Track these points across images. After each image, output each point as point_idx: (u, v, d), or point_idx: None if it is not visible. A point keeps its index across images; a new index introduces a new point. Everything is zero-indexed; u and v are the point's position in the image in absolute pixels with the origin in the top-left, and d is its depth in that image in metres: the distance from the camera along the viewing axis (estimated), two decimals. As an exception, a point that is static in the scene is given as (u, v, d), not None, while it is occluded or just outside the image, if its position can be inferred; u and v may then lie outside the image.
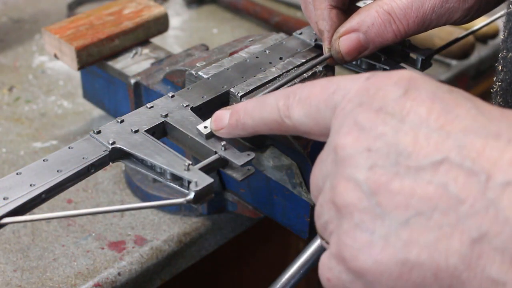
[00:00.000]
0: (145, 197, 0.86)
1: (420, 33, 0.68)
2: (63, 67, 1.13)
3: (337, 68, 0.78)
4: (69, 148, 0.63)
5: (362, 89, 0.46)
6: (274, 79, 0.73)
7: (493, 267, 0.39)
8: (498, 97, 0.64)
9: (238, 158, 0.62)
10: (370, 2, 0.69)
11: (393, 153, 0.42)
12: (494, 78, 0.64)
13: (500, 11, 0.78)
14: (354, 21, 0.68)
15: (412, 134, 0.42)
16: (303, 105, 0.50)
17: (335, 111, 0.47)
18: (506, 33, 0.60)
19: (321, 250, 0.68)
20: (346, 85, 0.47)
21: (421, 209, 0.41)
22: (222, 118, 0.60)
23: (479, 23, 0.84)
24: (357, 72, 0.76)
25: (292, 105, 0.51)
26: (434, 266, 0.41)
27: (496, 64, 0.63)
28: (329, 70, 0.76)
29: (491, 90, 0.65)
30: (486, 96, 0.58)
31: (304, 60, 0.76)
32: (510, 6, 0.59)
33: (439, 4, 0.65)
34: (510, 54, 0.60)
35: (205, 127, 0.63)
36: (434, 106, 0.43)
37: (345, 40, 0.69)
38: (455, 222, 0.40)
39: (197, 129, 0.64)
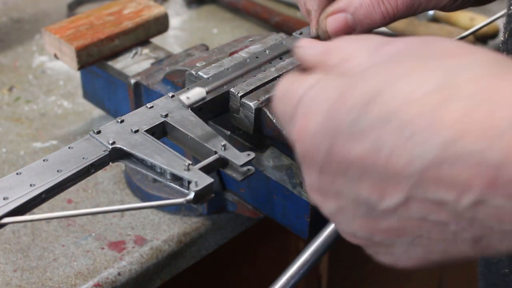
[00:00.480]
0: (145, 197, 0.86)
1: (408, 16, 0.67)
2: (63, 67, 1.13)
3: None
4: (69, 148, 0.63)
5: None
6: (274, 79, 0.73)
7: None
8: None
9: (238, 158, 0.62)
10: None
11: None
12: None
13: (500, 11, 0.78)
14: (342, 1, 0.67)
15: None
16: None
17: None
18: (506, 35, 0.60)
19: (321, 250, 0.68)
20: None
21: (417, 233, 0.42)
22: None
23: (479, 23, 0.84)
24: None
25: None
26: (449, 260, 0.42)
27: None
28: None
29: None
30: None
31: (304, 60, 0.76)
32: (511, 7, 0.59)
33: None
34: (510, 56, 0.60)
35: (188, 98, 0.63)
36: None
37: (332, 20, 0.67)
38: (452, 235, 0.41)
39: (179, 98, 0.64)
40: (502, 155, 0.36)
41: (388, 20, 0.66)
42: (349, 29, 0.66)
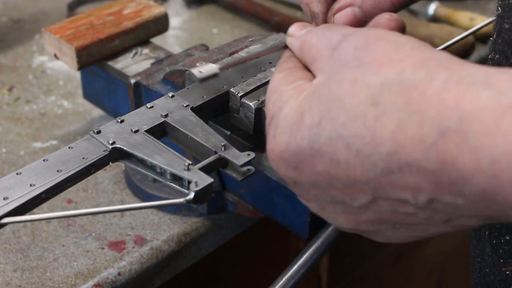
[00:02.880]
0: (145, 197, 0.86)
1: (417, 1, 0.66)
2: (63, 67, 1.13)
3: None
4: (69, 148, 0.63)
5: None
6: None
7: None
8: None
9: (238, 158, 0.62)
10: None
11: None
12: None
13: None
14: None
15: None
16: None
17: None
18: (495, 35, 0.60)
19: (321, 250, 0.68)
20: None
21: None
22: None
23: (479, 23, 0.84)
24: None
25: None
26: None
27: None
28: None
29: None
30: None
31: (304, 60, 0.76)
32: (499, 8, 0.59)
33: None
34: (497, 56, 0.60)
35: (200, 72, 0.60)
36: None
37: (340, 16, 0.63)
38: (424, 220, 0.45)
39: (191, 72, 0.62)
40: (437, 164, 0.40)
41: (398, 6, 0.63)
42: (359, 23, 0.63)
